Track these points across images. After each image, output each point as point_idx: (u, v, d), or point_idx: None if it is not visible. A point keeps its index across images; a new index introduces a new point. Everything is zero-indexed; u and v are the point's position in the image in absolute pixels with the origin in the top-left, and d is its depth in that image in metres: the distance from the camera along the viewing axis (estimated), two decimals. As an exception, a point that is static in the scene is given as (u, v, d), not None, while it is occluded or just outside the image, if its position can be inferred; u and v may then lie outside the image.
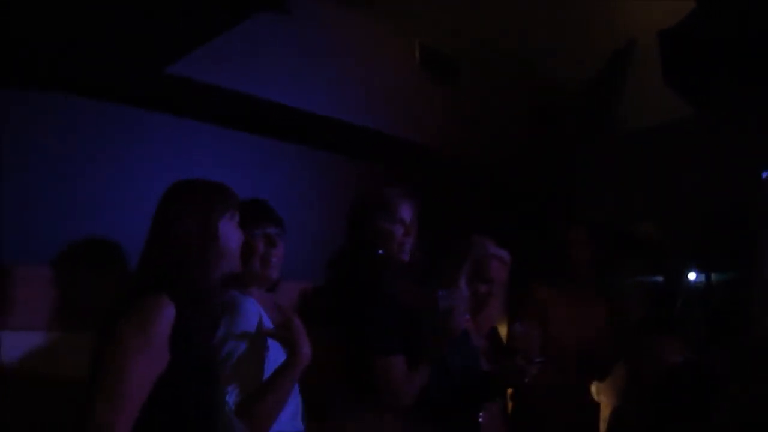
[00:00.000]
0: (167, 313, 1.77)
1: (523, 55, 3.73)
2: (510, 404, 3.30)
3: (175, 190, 2.03)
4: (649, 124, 3.95)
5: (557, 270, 3.53)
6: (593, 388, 3.66)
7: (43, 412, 2.18)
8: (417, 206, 2.67)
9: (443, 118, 3.59)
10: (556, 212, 3.98)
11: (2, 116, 2.34)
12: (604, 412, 3.58)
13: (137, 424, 1.71)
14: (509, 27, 3.53)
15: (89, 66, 2.42)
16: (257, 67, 2.81)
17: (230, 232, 2.01)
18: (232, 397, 2.06)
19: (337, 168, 3.39)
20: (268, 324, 2.25)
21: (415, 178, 3.36)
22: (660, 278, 4.29)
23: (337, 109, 3.09)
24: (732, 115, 3.64)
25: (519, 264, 2.97)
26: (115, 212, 2.54)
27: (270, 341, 2.22)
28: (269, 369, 2.18)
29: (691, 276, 4.14)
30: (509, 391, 3.15)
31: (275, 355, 2.20)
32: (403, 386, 2.41)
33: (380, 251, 2.56)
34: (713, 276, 4.04)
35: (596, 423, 3.57)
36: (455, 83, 3.62)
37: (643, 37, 3.70)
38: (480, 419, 2.76)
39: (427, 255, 2.69)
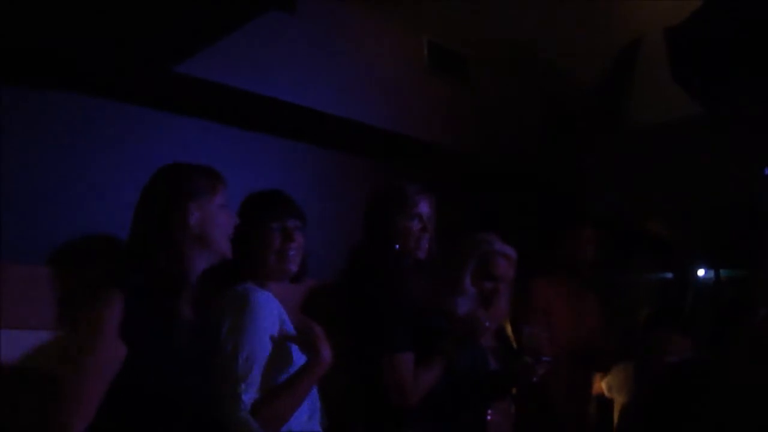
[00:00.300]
0: (113, 307, 1.66)
1: (532, 52, 3.64)
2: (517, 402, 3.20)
3: (151, 176, 1.91)
4: (658, 122, 3.85)
5: (560, 267, 3.44)
6: (604, 385, 3.60)
7: (42, 411, 2.06)
8: (435, 202, 2.59)
9: (452, 115, 3.50)
10: (564, 209, 3.86)
11: (4, 114, 2.25)
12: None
13: (98, 419, 1.61)
14: (517, 24, 3.43)
15: (95, 64, 2.34)
16: (266, 66, 2.73)
17: (209, 216, 1.86)
18: (248, 394, 1.95)
19: (346, 166, 3.32)
20: (286, 318, 2.14)
21: (423, 175, 3.22)
22: (669, 275, 4.19)
23: (345, 108, 3.01)
24: (740, 112, 3.51)
25: (523, 261, 2.85)
26: (119, 211, 2.40)
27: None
28: (289, 365, 2.07)
29: (700, 272, 4.04)
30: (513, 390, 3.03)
31: (295, 351, 2.10)
32: (410, 384, 2.32)
33: (396, 246, 2.48)
34: (722, 272, 3.94)
35: (610, 419, 3.52)
36: (464, 81, 3.54)
37: (651, 33, 3.59)
38: (488, 417, 2.67)
39: (444, 253, 2.62)
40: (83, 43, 2.19)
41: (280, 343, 2.06)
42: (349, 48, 3.03)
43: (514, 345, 3.00)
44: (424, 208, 2.54)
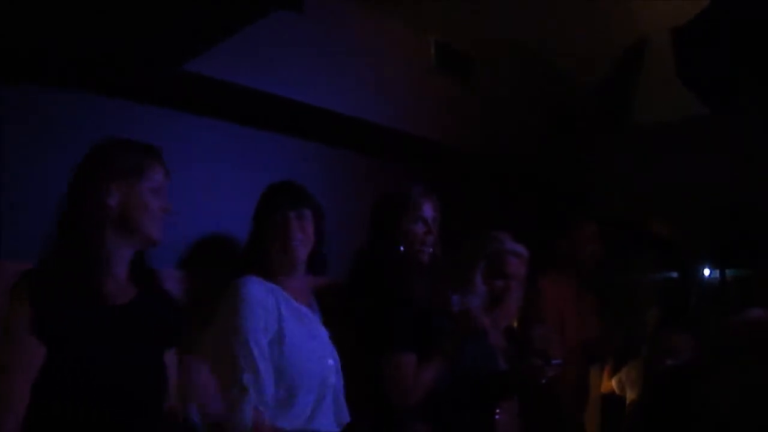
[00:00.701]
0: (18, 305, 1.52)
1: (538, 53, 3.54)
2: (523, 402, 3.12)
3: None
4: (660, 121, 3.78)
5: (562, 266, 3.38)
6: (614, 382, 3.57)
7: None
8: (439, 204, 2.57)
9: (458, 115, 3.41)
10: (569, 209, 3.79)
11: (4, 114, 2.14)
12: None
13: (27, 417, 1.49)
14: (520, 24, 3.33)
15: (101, 63, 2.23)
16: (273, 65, 2.63)
17: (135, 198, 1.66)
18: (252, 384, 1.92)
19: (353, 166, 3.22)
20: (287, 311, 2.07)
21: (430, 175, 3.18)
22: (674, 275, 4.11)
23: (353, 106, 2.91)
24: (745, 112, 3.45)
25: (532, 260, 2.80)
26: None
27: (288, 331, 2.02)
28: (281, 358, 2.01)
29: (706, 272, 3.95)
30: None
31: (292, 341, 2.03)
32: (411, 384, 2.28)
33: (401, 248, 2.46)
34: (727, 272, 3.85)
35: (619, 418, 3.50)
36: (470, 81, 3.44)
37: (657, 33, 3.49)
38: (496, 417, 2.58)
39: (446, 252, 2.56)
40: (87, 42, 2.09)
41: (264, 328, 2.00)
42: (357, 47, 2.94)
43: (523, 344, 2.91)
44: (428, 211, 2.52)
